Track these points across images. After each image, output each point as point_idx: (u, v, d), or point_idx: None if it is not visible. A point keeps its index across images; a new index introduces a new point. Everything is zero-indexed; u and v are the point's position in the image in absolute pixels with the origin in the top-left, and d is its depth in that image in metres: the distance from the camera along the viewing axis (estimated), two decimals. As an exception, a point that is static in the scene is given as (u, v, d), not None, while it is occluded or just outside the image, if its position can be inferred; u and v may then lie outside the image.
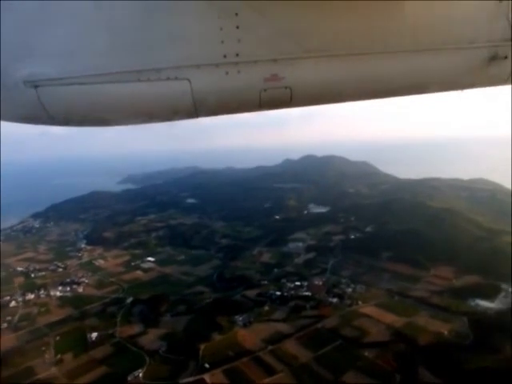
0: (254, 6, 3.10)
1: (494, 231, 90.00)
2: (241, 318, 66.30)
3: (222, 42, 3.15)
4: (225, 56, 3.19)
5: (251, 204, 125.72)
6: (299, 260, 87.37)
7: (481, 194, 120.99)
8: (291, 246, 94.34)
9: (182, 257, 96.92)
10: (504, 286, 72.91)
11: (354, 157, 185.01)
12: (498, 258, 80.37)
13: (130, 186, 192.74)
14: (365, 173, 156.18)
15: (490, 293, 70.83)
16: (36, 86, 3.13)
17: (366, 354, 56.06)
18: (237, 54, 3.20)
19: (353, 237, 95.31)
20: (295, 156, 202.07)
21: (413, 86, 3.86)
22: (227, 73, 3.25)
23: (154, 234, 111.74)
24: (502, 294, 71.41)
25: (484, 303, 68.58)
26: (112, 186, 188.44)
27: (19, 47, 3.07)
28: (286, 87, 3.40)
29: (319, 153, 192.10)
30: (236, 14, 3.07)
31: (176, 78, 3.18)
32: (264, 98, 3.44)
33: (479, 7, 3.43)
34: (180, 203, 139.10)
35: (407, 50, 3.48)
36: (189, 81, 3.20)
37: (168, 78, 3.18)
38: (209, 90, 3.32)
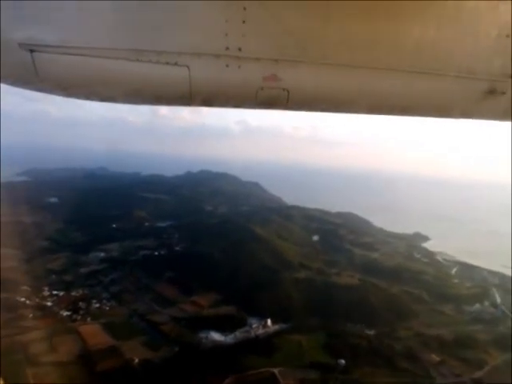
0: (264, 4, 3.04)
1: (292, 265, 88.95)
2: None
3: (227, 34, 3.05)
4: (227, 48, 3.10)
5: (105, 210, 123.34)
6: (85, 270, 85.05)
7: (328, 227, 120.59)
8: (91, 255, 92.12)
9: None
10: (252, 320, 71.60)
11: (252, 177, 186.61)
12: (272, 291, 79.23)
13: (25, 178, 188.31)
14: (246, 194, 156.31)
15: (234, 326, 69.32)
16: (32, 51, 2.99)
17: (29, 372, 53.96)
18: (239, 49, 3.11)
19: (156, 253, 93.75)
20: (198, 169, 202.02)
21: (409, 106, 3.79)
22: (227, 65, 3.15)
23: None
24: (245, 328, 70.05)
25: (216, 335, 67.11)
26: (9, 176, 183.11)
27: (20, 7, 2.93)
28: (283, 89, 3.34)
29: (218, 169, 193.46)
30: (244, 9, 3.00)
31: (176, 64, 3.09)
32: (260, 97, 3.37)
33: (483, 39, 3.38)
34: (40, 201, 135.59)
35: (408, 70, 3.41)
36: (188, 68, 3.12)
37: (167, 63, 3.09)
38: (207, 80, 3.25)
